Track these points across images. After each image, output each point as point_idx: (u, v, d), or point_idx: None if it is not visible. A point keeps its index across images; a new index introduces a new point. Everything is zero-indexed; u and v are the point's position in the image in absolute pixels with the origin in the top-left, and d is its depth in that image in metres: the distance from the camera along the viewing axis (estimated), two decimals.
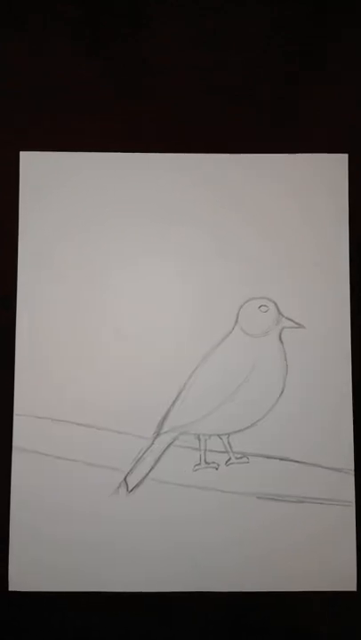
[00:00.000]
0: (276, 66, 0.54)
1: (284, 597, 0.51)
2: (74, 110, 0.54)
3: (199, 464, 0.51)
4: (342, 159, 0.53)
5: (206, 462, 0.51)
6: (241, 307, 0.52)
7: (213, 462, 0.51)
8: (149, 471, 0.51)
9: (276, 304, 0.52)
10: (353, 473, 0.51)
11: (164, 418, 0.51)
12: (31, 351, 0.52)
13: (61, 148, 0.53)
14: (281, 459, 0.51)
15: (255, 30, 0.54)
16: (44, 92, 0.54)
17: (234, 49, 0.54)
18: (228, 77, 0.54)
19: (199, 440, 0.51)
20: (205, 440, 0.51)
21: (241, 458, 0.51)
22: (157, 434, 0.51)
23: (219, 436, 0.51)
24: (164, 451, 0.51)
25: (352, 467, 0.51)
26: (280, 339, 0.52)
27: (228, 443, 0.51)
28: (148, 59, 0.54)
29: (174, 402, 0.51)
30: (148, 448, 0.51)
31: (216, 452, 0.51)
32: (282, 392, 0.52)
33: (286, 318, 0.52)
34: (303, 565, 0.51)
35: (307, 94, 0.54)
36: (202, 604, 0.51)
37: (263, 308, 0.52)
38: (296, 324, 0.52)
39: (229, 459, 0.51)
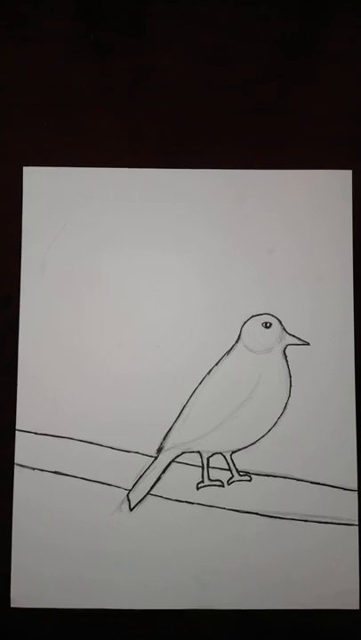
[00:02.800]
0: (279, 82, 0.54)
1: (287, 615, 0.51)
2: (76, 126, 0.53)
3: (202, 482, 0.51)
4: (346, 175, 0.53)
5: (210, 480, 0.51)
6: (244, 323, 0.52)
7: (218, 480, 0.51)
8: (151, 488, 0.51)
9: (279, 320, 0.52)
10: (356, 492, 0.51)
11: (167, 435, 0.51)
12: (33, 367, 0.52)
13: (64, 164, 0.53)
14: (284, 477, 0.51)
15: (256, 45, 0.54)
16: (48, 109, 0.54)
17: (234, 65, 0.54)
18: (230, 94, 0.54)
19: (201, 457, 0.51)
20: (208, 457, 0.51)
21: (244, 476, 0.51)
22: (160, 451, 0.51)
23: (221, 453, 0.51)
24: (167, 468, 0.51)
25: (355, 485, 0.51)
26: (284, 355, 0.52)
27: (231, 460, 0.51)
28: (151, 72, 0.54)
29: (177, 419, 0.51)
30: (151, 465, 0.51)
31: (218, 469, 0.51)
32: (285, 409, 0.51)
33: (290, 335, 0.52)
34: (306, 583, 0.51)
35: (310, 110, 0.54)
36: (205, 622, 0.51)
37: (266, 325, 0.52)
38: (301, 340, 0.52)
39: (232, 476, 0.51)
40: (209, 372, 0.52)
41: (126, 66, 0.54)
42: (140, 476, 0.51)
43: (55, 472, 0.51)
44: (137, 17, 0.54)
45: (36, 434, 0.51)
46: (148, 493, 0.51)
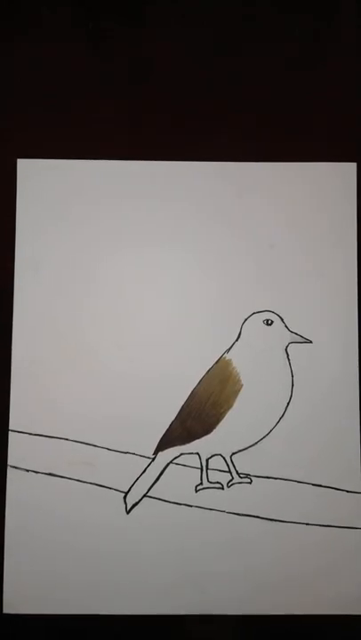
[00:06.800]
0: (282, 74, 0.52)
1: (289, 620, 0.49)
2: (71, 118, 0.52)
3: (201, 484, 0.49)
4: (350, 168, 0.51)
5: (209, 482, 0.49)
6: (245, 320, 0.50)
7: (217, 482, 0.49)
8: (148, 490, 0.49)
9: (281, 318, 0.50)
10: (360, 494, 0.49)
11: (165, 436, 0.49)
12: (27, 367, 0.50)
13: (59, 156, 0.52)
14: (285, 479, 0.49)
15: (259, 37, 0.52)
16: (42, 102, 0.52)
17: (237, 56, 0.52)
18: (233, 85, 0.52)
19: (200, 459, 0.50)
20: (207, 459, 0.50)
21: (244, 478, 0.49)
22: (157, 452, 0.49)
23: (221, 455, 0.50)
24: (164, 469, 0.49)
25: (360, 488, 0.49)
26: (286, 354, 0.50)
27: (231, 462, 0.49)
28: (149, 65, 0.52)
29: (175, 419, 0.49)
30: (148, 466, 0.49)
31: (218, 471, 0.50)
32: (286, 409, 0.50)
33: (293, 333, 0.50)
34: (309, 588, 0.49)
35: (314, 102, 0.52)
36: (205, 627, 0.49)
37: (268, 322, 0.50)
38: (303, 338, 0.50)
39: (232, 479, 0.49)
40: (208, 372, 0.50)
41: (125, 55, 0.52)
42: (137, 478, 0.49)
43: (49, 474, 0.49)
44: (136, 6, 0.53)
45: (30, 434, 0.50)
46: (145, 496, 0.49)
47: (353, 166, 0.52)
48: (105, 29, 0.53)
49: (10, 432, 0.50)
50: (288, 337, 0.50)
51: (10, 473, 0.49)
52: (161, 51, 0.52)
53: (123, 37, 0.52)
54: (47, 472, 0.49)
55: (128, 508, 0.49)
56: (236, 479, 0.49)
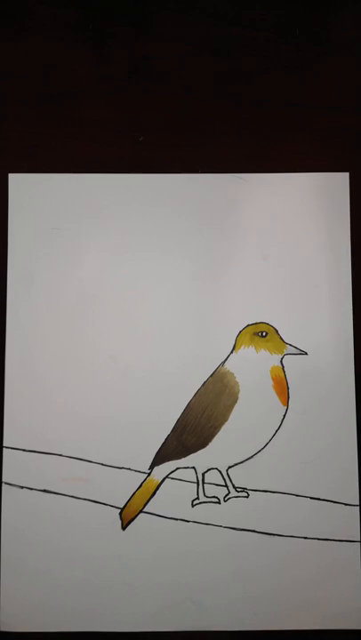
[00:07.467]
0: (276, 83, 0.52)
1: (289, 636, 0.48)
2: (63, 131, 0.52)
3: (197, 498, 0.49)
4: (343, 178, 0.51)
5: (206, 496, 0.49)
6: (239, 332, 0.50)
7: (214, 496, 0.49)
8: (144, 506, 0.49)
9: (275, 329, 0.50)
10: (358, 507, 0.49)
11: (160, 450, 0.49)
12: (21, 383, 0.50)
13: (50, 170, 0.51)
14: (282, 492, 0.49)
15: (253, 47, 0.52)
16: (31, 118, 0.52)
17: (232, 66, 0.52)
18: (227, 96, 0.52)
19: (196, 473, 0.49)
20: (203, 473, 0.49)
21: (240, 492, 0.49)
22: (153, 467, 0.49)
23: (217, 468, 0.49)
24: (160, 484, 0.49)
25: (357, 501, 0.49)
26: (281, 365, 0.50)
27: (228, 475, 0.49)
28: (149, 65, 0.52)
29: (170, 433, 0.49)
30: (144, 482, 0.49)
31: (214, 485, 0.49)
32: (283, 422, 0.49)
33: (288, 344, 0.50)
34: (308, 603, 0.49)
35: (307, 112, 0.52)
36: None
37: (262, 334, 0.50)
38: (298, 349, 0.50)
39: (228, 493, 0.49)
40: (204, 384, 0.50)
41: (125, 59, 0.52)
42: (133, 494, 0.49)
43: (44, 490, 0.49)
44: (140, 23, 0.52)
45: (24, 451, 0.49)
46: (140, 511, 0.49)
47: (346, 176, 0.51)
48: (105, 30, 0.52)
49: (4, 449, 0.49)
50: (283, 348, 0.50)
51: (4, 490, 0.49)
52: (161, 50, 0.52)
53: (123, 38, 0.52)
54: (42, 489, 0.49)
55: (124, 524, 0.49)
56: (233, 493, 0.49)
